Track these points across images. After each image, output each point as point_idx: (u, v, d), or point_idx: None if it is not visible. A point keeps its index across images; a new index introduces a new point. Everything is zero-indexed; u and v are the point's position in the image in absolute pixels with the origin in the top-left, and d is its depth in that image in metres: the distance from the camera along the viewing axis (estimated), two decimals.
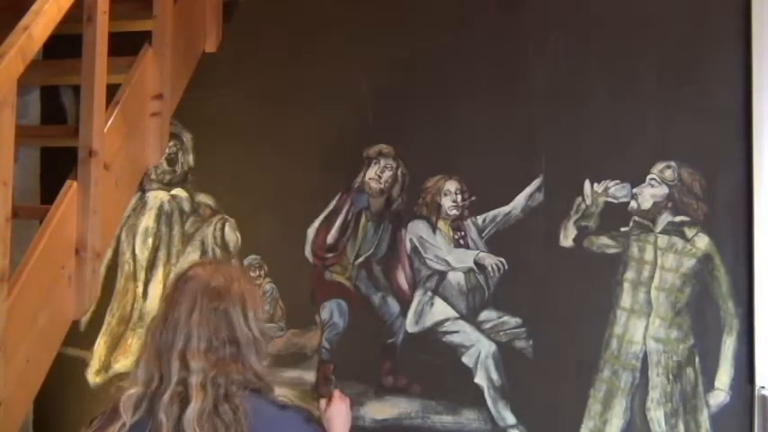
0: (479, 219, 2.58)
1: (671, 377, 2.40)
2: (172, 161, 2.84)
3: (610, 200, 2.48)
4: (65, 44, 2.08)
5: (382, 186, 2.66)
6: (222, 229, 2.78)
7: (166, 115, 2.39)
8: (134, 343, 2.81)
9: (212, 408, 1.36)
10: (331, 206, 2.69)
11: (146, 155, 2.33)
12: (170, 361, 1.41)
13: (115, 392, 1.49)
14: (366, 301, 2.65)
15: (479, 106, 2.59)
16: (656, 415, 2.39)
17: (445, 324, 2.57)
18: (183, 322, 1.42)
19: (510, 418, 2.49)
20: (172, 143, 2.75)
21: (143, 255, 2.83)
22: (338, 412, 1.58)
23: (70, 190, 1.94)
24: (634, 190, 2.47)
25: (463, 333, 2.55)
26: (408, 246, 2.63)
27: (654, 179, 2.46)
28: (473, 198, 2.59)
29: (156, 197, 2.85)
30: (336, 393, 1.62)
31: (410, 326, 2.59)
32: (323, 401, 1.61)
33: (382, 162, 2.67)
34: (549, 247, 2.50)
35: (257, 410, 1.38)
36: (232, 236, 2.77)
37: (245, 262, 2.74)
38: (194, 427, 1.34)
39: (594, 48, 2.52)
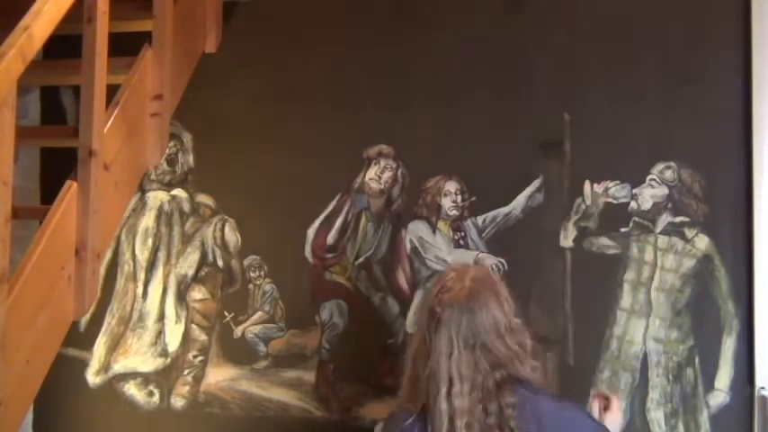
0: (479, 219, 2.58)
1: (671, 378, 2.40)
2: (172, 161, 2.84)
3: (610, 200, 2.48)
4: (65, 44, 2.08)
5: (382, 187, 2.66)
6: (222, 229, 2.78)
7: (166, 115, 2.39)
8: (134, 343, 2.81)
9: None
10: (331, 206, 2.69)
11: (146, 155, 2.33)
12: (437, 403, 1.49)
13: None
14: (366, 301, 2.65)
15: (479, 106, 2.59)
16: (656, 415, 2.40)
17: None
18: (442, 369, 1.50)
19: None
20: (172, 143, 2.75)
21: (143, 255, 2.83)
22: (614, 423, 1.65)
23: (70, 190, 1.94)
24: (634, 190, 2.47)
25: None
26: (408, 246, 2.63)
27: (654, 180, 2.46)
28: (473, 198, 2.59)
29: (156, 197, 2.85)
30: (615, 402, 1.68)
31: (410, 326, 2.59)
32: (596, 402, 1.68)
33: (382, 162, 2.67)
34: (549, 247, 2.50)
35: (536, 400, 1.48)
36: (232, 236, 2.77)
37: (245, 262, 2.74)
38: None
39: (595, 48, 2.52)
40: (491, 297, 1.57)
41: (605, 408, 1.67)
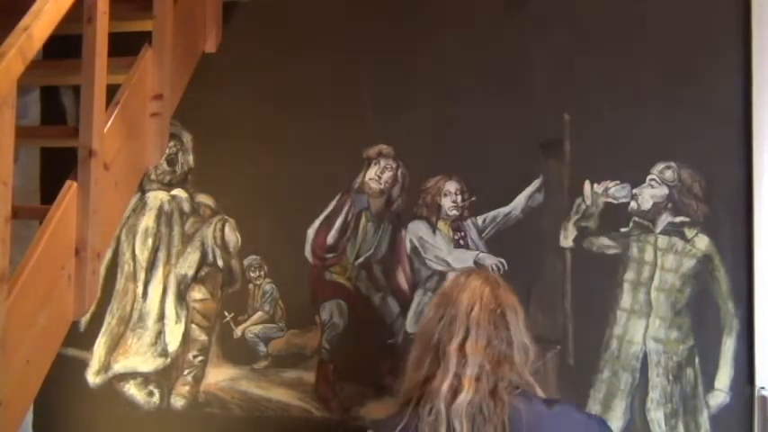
0: (479, 219, 2.58)
1: (671, 378, 2.40)
2: (172, 161, 2.84)
3: (610, 200, 2.48)
4: (65, 44, 2.08)
5: (382, 187, 2.66)
6: (222, 229, 2.78)
7: (166, 115, 2.39)
8: (134, 343, 2.81)
9: (479, 401, 1.46)
10: (331, 206, 2.69)
11: (146, 155, 2.34)
12: (447, 353, 1.50)
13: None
14: (366, 301, 2.65)
15: (479, 106, 2.59)
16: (656, 416, 2.40)
17: None
18: (462, 317, 1.53)
19: None
20: (172, 143, 2.75)
21: (143, 255, 2.83)
22: None
23: (70, 190, 1.94)
24: (634, 190, 2.47)
25: None
26: (408, 246, 2.63)
27: (654, 180, 2.46)
28: (473, 198, 2.59)
29: (156, 197, 2.85)
30: None
31: (410, 326, 2.59)
32: None
33: (382, 162, 2.67)
34: (549, 247, 2.50)
35: (530, 409, 1.47)
36: (232, 236, 2.77)
37: (245, 262, 2.74)
38: (461, 417, 1.44)
39: (595, 48, 2.52)
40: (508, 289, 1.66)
41: None
